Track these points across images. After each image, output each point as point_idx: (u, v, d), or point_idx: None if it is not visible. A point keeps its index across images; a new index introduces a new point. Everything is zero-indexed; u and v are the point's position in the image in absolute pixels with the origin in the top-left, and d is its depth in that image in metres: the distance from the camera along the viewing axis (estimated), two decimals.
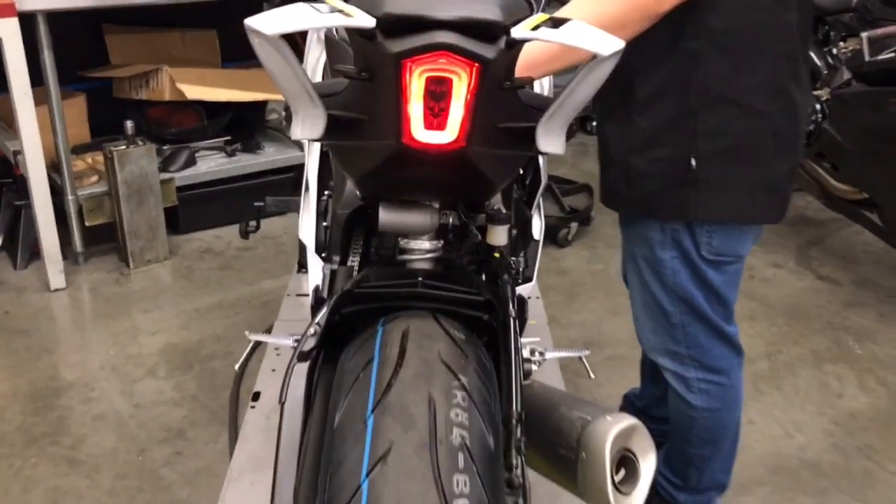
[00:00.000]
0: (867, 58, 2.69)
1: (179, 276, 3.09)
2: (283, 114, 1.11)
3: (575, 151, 4.33)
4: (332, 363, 1.20)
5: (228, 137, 3.52)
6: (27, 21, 2.71)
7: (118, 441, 2.22)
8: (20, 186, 3.05)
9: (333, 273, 1.47)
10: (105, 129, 3.34)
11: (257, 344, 1.75)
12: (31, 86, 2.72)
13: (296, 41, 1.29)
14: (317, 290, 1.46)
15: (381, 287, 1.13)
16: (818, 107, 2.99)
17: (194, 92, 3.28)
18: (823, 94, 3.01)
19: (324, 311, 1.20)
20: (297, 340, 1.26)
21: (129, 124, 2.99)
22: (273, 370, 2.17)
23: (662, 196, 1.50)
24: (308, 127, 0.99)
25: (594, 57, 0.85)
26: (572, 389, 2.37)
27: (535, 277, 1.73)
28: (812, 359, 2.65)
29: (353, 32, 0.88)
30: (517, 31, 0.86)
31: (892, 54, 2.61)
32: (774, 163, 1.48)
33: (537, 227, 1.76)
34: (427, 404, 0.93)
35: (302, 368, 1.21)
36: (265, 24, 0.83)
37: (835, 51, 3.09)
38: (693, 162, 1.44)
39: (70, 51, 3.23)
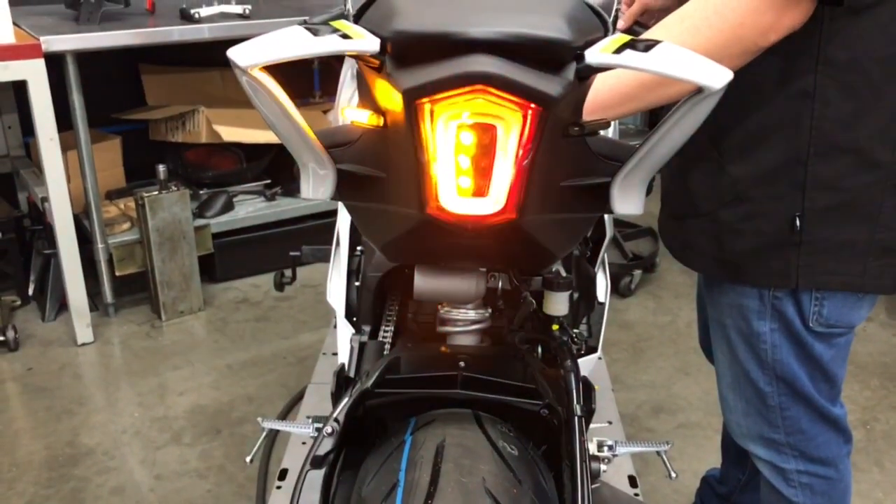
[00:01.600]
0: None
1: (213, 328, 2.90)
2: (294, 171, 0.90)
3: None
4: (355, 469, 0.97)
5: (268, 181, 3.34)
6: (56, 62, 2.58)
7: None
8: (50, 234, 2.91)
9: (362, 346, 1.25)
10: (142, 172, 3.19)
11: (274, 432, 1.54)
12: (65, 129, 2.58)
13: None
14: (342, 370, 1.24)
15: (409, 384, 0.90)
16: None
17: (231, 133, 3.11)
18: None
19: (343, 404, 0.98)
20: (317, 429, 1.04)
21: (161, 169, 2.83)
22: (304, 443, 1.94)
23: (758, 259, 1.25)
24: (316, 184, 0.78)
25: (699, 91, 0.61)
26: (640, 465, 2.10)
27: (600, 347, 1.48)
28: None
29: (362, 62, 0.66)
30: (593, 56, 0.61)
31: None
32: (893, 221, 1.22)
33: (602, 288, 1.51)
34: None
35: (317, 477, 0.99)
36: (244, 54, 0.61)
37: None
38: (798, 220, 1.19)
39: (105, 92, 3.11)
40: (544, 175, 0.66)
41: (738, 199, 1.24)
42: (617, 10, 1.51)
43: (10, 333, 2.73)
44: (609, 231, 1.51)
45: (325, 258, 2.38)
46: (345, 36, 0.60)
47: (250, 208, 3.23)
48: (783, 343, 1.32)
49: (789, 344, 1.31)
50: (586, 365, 1.41)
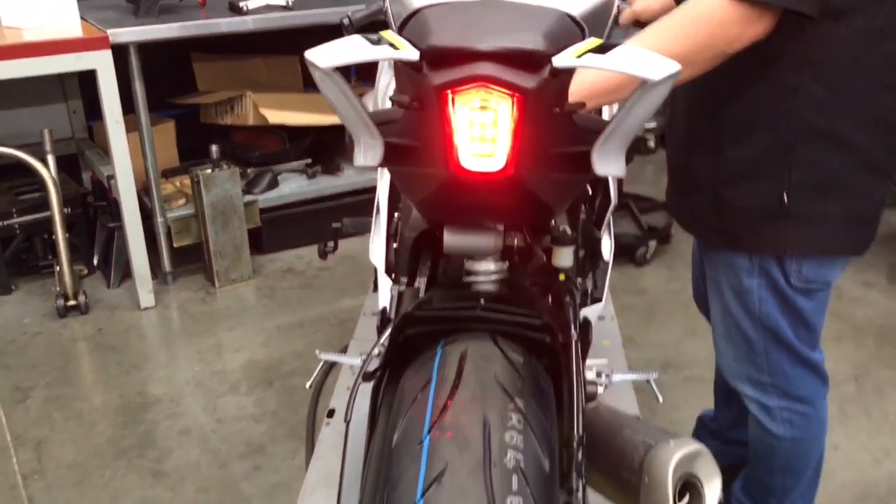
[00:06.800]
0: None
1: (262, 295, 3.18)
2: (347, 142, 1.14)
3: (656, 169, 4.28)
4: (396, 383, 1.22)
5: (309, 160, 3.60)
6: (120, 52, 2.85)
7: (201, 455, 2.29)
8: (114, 209, 3.20)
9: (401, 294, 1.49)
10: (193, 153, 3.47)
11: (329, 363, 1.80)
12: (124, 113, 2.86)
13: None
14: (384, 311, 1.49)
15: (440, 310, 1.15)
16: None
17: (276, 116, 3.38)
18: None
19: (388, 330, 1.23)
20: (364, 360, 1.29)
21: (214, 149, 3.11)
22: (348, 388, 2.20)
23: (753, 229, 1.47)
24: (367, 154, 1.02)
25: (645, 82, 0.85)
26: (648, 413, 2.33)
27: (604, 298, 1.72)
28: None
29: (402, 63, 0.91)
30: (560, 60, 0.86)
31: None
32: (866, 194, 1.44)
33: (607, 248, 1.75)
34: (482, 426, 0.94)
35: (368, 388, 1.24)
36: (321, 57, 0.86)
37: None
38: (785, 196, 1.41)
39: (160, 79, 3.38)
40: (536, 143, 0.91)
41: (735, 179, 1.46)
42: (618, 8, 1.73)
43: (81, 298, 3.02)
44: (613, 198, 1.74)
45: (363, 229, 2.63)
46: (393, 46, 0.85)
47: (293, 185, 3.50)
48: (769, 297, 1.53)
49: (774, 298, 1.53)
50: (593, 312, 1.65)
